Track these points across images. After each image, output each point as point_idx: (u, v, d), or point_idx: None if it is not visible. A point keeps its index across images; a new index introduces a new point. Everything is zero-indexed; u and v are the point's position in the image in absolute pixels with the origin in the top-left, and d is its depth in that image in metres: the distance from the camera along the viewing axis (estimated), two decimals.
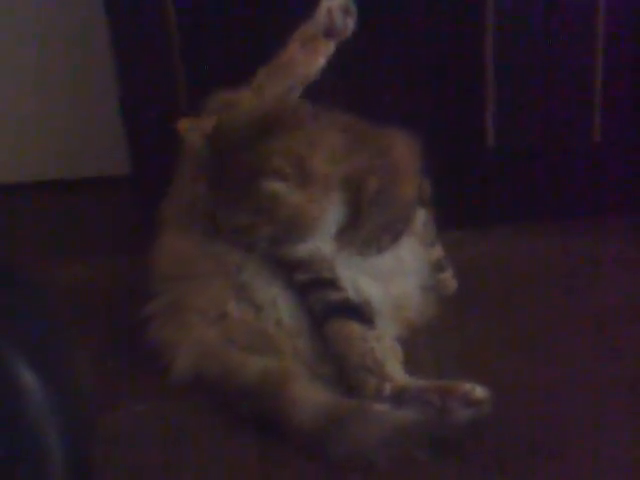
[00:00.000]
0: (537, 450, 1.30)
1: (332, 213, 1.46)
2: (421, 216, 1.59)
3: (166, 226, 1.55)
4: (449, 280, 1.66)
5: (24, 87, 2.18)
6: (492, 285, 1.70)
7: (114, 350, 1.56)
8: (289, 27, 1.65)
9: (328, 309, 1.45)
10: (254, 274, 1.49)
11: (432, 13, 1.78)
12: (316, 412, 1.32)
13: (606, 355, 1.49)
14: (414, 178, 1.52)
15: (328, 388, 1.37)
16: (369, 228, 1.47)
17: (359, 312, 1.45)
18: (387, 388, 1.37)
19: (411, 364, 1.43)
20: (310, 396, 1.35)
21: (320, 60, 1.63)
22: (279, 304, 1.48)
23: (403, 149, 1.49)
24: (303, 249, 1.48)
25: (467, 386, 1.34)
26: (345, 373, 1.41)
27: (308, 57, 1.62)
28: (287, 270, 1.48)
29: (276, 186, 1.42)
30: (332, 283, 1.47)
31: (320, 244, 1.48)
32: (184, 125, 1.52)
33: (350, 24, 1.63)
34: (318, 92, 1.71)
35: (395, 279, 1.54)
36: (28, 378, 1.01)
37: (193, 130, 1.51)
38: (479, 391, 1.34)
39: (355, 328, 1.43)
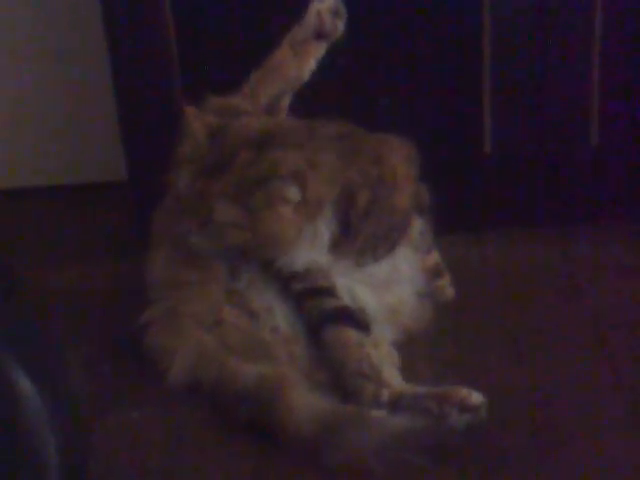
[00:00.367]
0: (535, 455, 1.30)
1: (321, 228, 1.46)
2: (418, 224, 1.59)
3: (158, 236, 1.55)
4: (446, 286, 1.66)
5: (21, 93, 2.18)
6: (490, 291, 1.69)
7: (110, 356, 1.56)
8: (287, 31, 1.66)
9: (324, 316, 1.45)
10: (247, 281, 1.49)
11: (430, 21, 1.78)
12: (313, 419, 1.32)
13: (604, 360, 1.49)
14: (410, 186, 1.52)
15: (325, 394, 1.37)
16: (363, 239, 1.47)
17: (355, 319, 1.45)
18: (384, 394, 1.37)
19: (408, 370, 1.43)
20: (307, 403, 1.35)
21: (311, 62, 1.64)
22: (274, 311, 1.48)
23: (399, 157, 1.49)
24: (298, 261, 1.48)
25: (464, 392, 1.34)
26: (342, 380, 1.41)
27: (299, 60, 1.63)
28: (282, 280, 1.48)
29: (286, 189, 1.42)
30: (328, 291, 1.47)
31: (315, 256, 1.48)
32: (192, 111, 1.53)
33: (340, 26, 1.63)
34: (317, 97, 1.73)
35: (390, 287, 1.55)
36: (25, 385, 1.01)
37: (198, 119, 1.52)
38: (475, 397, 1.34)
39: (352, 335, 1.43)
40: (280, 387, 1.37)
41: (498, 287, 1.71)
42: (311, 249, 1.46)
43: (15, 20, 2.13)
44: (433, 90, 1.83)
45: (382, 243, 1.49)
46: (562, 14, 1.77)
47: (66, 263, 1.89)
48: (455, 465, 1.28)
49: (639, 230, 1.86)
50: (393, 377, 1.40)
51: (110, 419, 1.41)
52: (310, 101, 1.73)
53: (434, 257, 1.65)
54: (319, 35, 1.63)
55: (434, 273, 1.64)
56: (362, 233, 1.46)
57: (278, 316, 1.48)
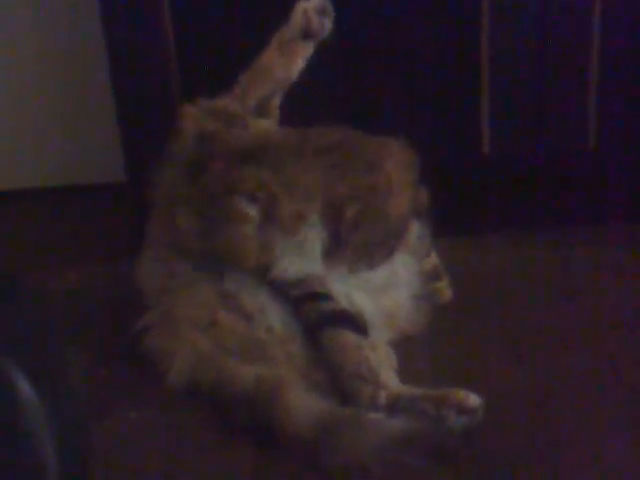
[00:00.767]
0: (533, 458, 1.30)
1: (310, 239, 1.46)
2: (415, 228, 1.58)
3: (150, 241, 1.56)
4: (445, 288, 1.66)
5: (21, 96, 2.19)
6: (488, 293, 1.70)
7: (110, 358, 1.56)
8: None
9: (322, 319, 1.46)
10: (238, 283, 1.49)
11: (429, 22, 1.78)
12: (311, 420, 1.32)
13: (604, 361, 1.49)
14: (407, 192, 1.51)
15: (323, 396, 1.37)
16: (354, 248, 1.46)
17: (353, 322, 1.46)
18: (382, 396, 1.37)
19: (405, 372, 1.43)
20: (305, 404, 1.34)
21: (299, 62, 1.64)
22: (267, 311, 1.48)
23: (396, 163, 1.48)
24: (290, 272, 1.48)
25: (461, 394, 1.34)
26: (340, 382, 1.41)
27: (287, 59, 1.63)
28: (277, 287, 1.49)
29: (245, 207, 1.42)
30: (325, 296, 1.48)
31: (308, 266, 1.47)
32: (189, 110, 1.53)
33: (327, 24, 1.63)
34: (317, 99, 1.73)
35: (387, 291, 1.55)
36: (24, 386, 1.01)
37: (193, 119, 1.52)
38: (473, 399, 1.34)
39: (350, 337, 1.43)
40: (278, 389, 1.37)
41: (497, 288, 1.71)
42: (302, 259, 1.46)
43: (15, 21, 2.13)
44: (432, 92, 1.84)
45: (378, 250, 1.48)
46: (561, 16, 1.78)
47: (66, 264, 1.89)
48: (453, 467, 1.28)
49: (637, 231, 1.86)
50: (391, 379, 1.40)
51: (109, 420, 1.41)
52: (310, 103, 1.73)
53: (433, 259, 1.65)
54: (306, 34, 1.63)
55: (433, 275, 1.64)
56: (353, 243, 1.45)
57: (272, 316, 1.48)
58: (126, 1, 1.77)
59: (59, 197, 2.20)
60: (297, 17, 1.63)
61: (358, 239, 1.45)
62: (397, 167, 1.49)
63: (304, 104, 1.71)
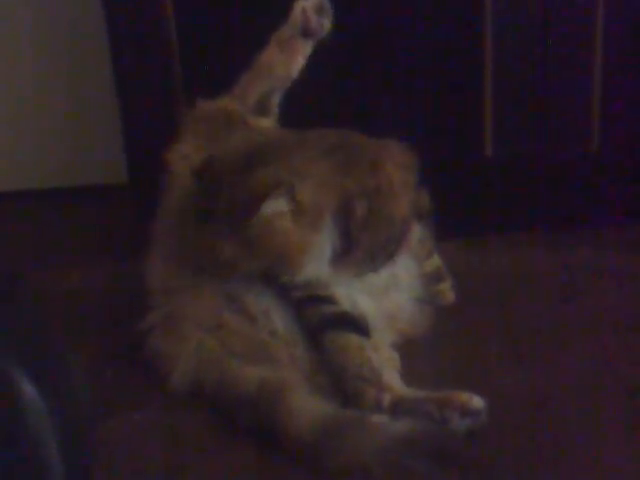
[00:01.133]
0: (534, 460, 1.30)
1: (324, 240, 1.44)
2: (417, 231, 1.58)
3: (154, 244, 1.56)
4: (447, 290, 1.66)
5: (22, 96, 2.19)
6: (490, 294, 1.70)
7: (112, 358, 1.56)
8: None
9: (325, 321, 1.45)
10: (242, 285, 1.49)
11: (431, 22, 1.78)
12: (314, 423, 1.32)
13: (604, 363, 1.49)
14: (408, 194, 1.50)
15: (326, 398, 1.37)
16: (362, 250, 1.46)
17: (356, 324, 1.46)
18: (385, 399, 1.37)
19: (408, 375, 1.43)
20: (308, 407, 1.34)
21: (299, 60, 1.63)
22: (272, 314, 1.48)
23: (396, 164, 1.48)
24: (302, 275, 1.46)
25: (465, 396, 1.34)
26: (343, 384, 1.41)
27: (286, 58, 1.63)
28: (282, 288, 1.48)
29: (274, 207, 1.39)
30: (328, 299, 1.47)
31: (318, 269, 1.46)
32: (173, 156, 1.53)
33: (326, 23, 1.63)
34: (317, 100, 1.73)
35: (388, 294, 1.55)
36: (26, 387, 1.01)
37: (181, 161, 1.52)
38: (476, 401, 1.34)
39: (352, 339, 1.43)
40: (281, 391, 1.37)
41: (498, 290, 1.71)
42: (316, 262, 1.45)
43: (16, 20, 2.13)
44: (434, 93, 1.84)
45: (380, 253, 1.47)
46: (564, 17, 1.78)
47: (67, 265, 1.89)
48: (456, 470, 1.28)
49: (639, 234, 1.86)
50: (394, 381, 1.40)
51: (112, 421, 1.41)
52: (310, 103, 1.73)
53: (435, 261, 1.65)
54: (305, 33, 1.63)
55: (435, 277, 1.64)
56: (361, 244, 1.45)
57: (276, 319, 1.48)
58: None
59: (60, 198, 2.20)
60: (295, 15, 1.63)
61: (366, 240, 1.45)
62: (398, 169, 1.49)
63: (304, 104, 1.71)
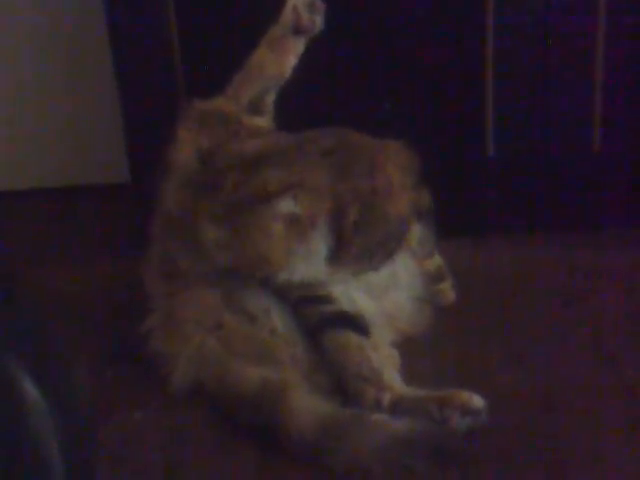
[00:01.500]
0: (535, 459, 1.30)
1: (317, 243, 1.45)
2: (417, 230, 1.58)
3: (153, 242, 1.56)
4: (448, 290, 1.66)
5: (24, 96, 2.19)
6: (491, 294, 1.70)
7: (113, 358, 1.56)
8: None
9: (324, 321, 1.46)
10: (242, 285, 1.49)
11: (432, 24, 1.78)
12: (315, 422, 1.32)
13: (604, 363, 1.49)
14: (407, 194, 1.50)
15: (326, 398, 1.37)
16: (357, 250, 1.46)
17: (355, 323, 1.46)
18: (385, 398, 1.37)
19: (408, 374, 1.43)
20: (309, 406, 1.35)
21: (291, 58, 1.63)
22: (272, 314, 1.48)
23: (396, 165, 1.48)
24: (295, 277, 1.46)
25: (465, 395, 1.34)
26: (343, 383, 1.41)
27: (278, 57, 1.62)
28: (279, 290, 1.48)
29: (284, 206, 1.41)
30: (326, 298, 1.48)
31: (312, 270, 1.46)
32: (182, 134, 1.53)
33: (318, 20, 1.62)
34: (319, 101, 1.73)
35: (387, 293, 1.55)
36: (28, 388, 1.01)
37: (189, 143, 1.52)
38: (476, 400, 1.34)
39: (351, 338, 1.43)
40: (282, 391, 1.37)
41: (499, 291, 1.71)
42: (307, 264, 1.45)
43: (16, 20, 2.13)
44: (436, 94, 1.83)
45: (379, 252, 1.48)
46: (565, 18, 1.78)
47: (68, 265, 1.89)
48: (456, 469, 1.28)
49: (639, 234, 1.86)
50: (394, 380, 1.40)
51: (113, 421, 1.41)
52: (310, 104, 1.73)
53: (436, 261, 1.65)
54: (297, 30, 1.62)
55: (436, 277, 1.64)
56: (355, 245, 1.45)
57: (276, 318, 1.48)
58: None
59: (61, 197, 2.20)
60: (287, 13, 1.62)
61: (360, 241, 1.45)
62: (397, 169, 1.49)
63: (304, 105, 1.71)
